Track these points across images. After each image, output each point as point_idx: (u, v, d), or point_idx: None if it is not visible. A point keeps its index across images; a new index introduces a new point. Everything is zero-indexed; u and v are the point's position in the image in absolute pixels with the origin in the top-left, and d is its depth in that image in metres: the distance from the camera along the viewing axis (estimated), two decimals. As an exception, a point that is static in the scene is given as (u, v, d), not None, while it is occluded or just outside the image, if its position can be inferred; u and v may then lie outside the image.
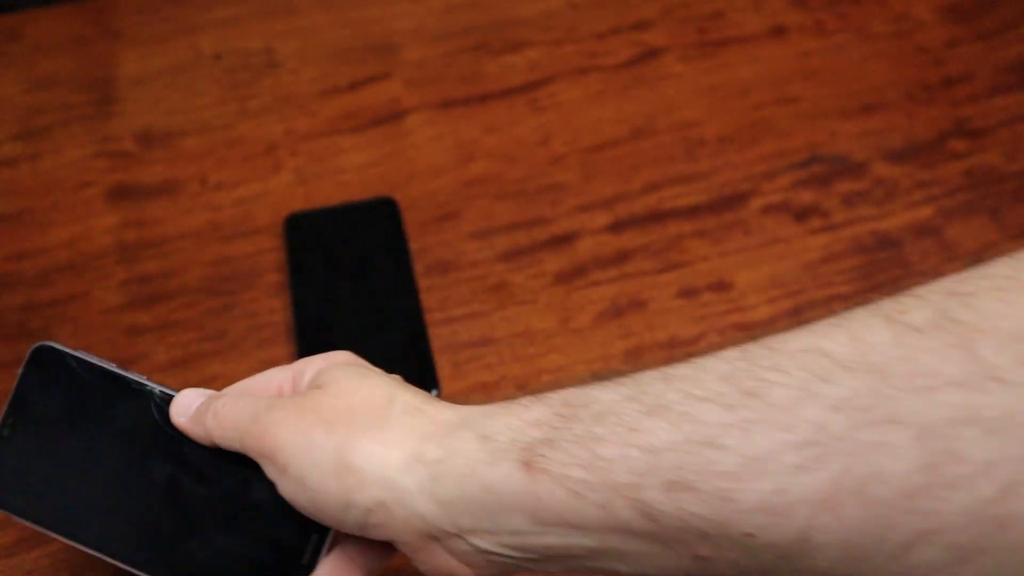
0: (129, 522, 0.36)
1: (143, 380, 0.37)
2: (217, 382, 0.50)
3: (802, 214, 0.58)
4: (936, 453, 0.21)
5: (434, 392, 0.49)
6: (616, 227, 0.57)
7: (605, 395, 0.27)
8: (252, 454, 0.32)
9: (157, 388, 0.37)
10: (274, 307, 0.53)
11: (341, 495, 0.29)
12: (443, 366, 0.51)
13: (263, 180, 0.60)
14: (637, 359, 0.51)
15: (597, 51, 0.68)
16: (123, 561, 0.35)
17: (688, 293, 0.54)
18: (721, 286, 0.54)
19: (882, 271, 0.55)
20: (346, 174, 0.60)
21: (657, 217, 0.58)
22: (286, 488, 0.31)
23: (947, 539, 0.21)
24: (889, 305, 0.24)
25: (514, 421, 0.28)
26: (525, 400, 0.29)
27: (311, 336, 0.51)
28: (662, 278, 0.55)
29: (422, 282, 0.54)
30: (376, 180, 0.60)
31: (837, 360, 0.23)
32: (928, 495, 0.21)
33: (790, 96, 0.65)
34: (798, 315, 0.53)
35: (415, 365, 0.50)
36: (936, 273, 0.56)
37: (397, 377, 0.34)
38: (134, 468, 0.36)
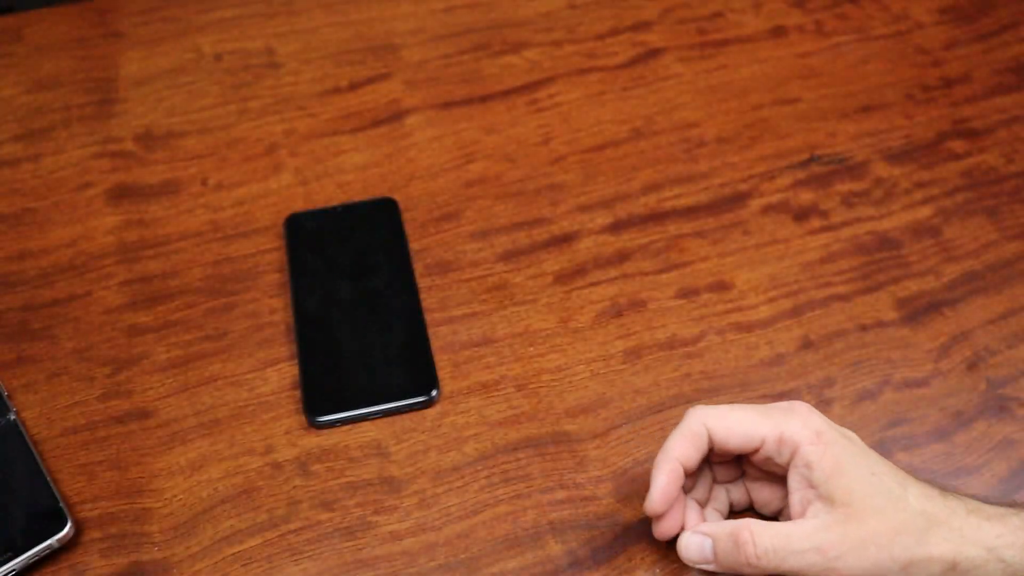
0: None
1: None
2: (217, 382, 0.50)
3: (801, 214, 0.58)
4: None
5: (434, 392, 0.49)
6: (616, 227, 0.57)
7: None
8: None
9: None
10: (274, 307, 0.54)
11: None
12: (443, 366, 0.51)
13: (263, 180, 0.60)
14: (637, 359, 0.51)
15: (597, 52, 0.68)
16: None
17: (687, 293, 0.54)
18: (720, 286, 0.54)
19: (881, 271, 0.55)
20: (346, 174, 0.60)
21: (657, 217, 0.58)
22: None
23: None
24: None
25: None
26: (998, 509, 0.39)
27: (311, 336, 0.51)
28: (662, 278, 0.55)
29: (422, 282, 0.54)
30: (376, 180, 0.60)
31: None
32: None
33: (789, 97, 0.65)
34: (797, 315, 0.53)
35: (415, 365, 0.50)
36: (935, 273, 0.56)
37: (888, 464, 0.40)
38: None
